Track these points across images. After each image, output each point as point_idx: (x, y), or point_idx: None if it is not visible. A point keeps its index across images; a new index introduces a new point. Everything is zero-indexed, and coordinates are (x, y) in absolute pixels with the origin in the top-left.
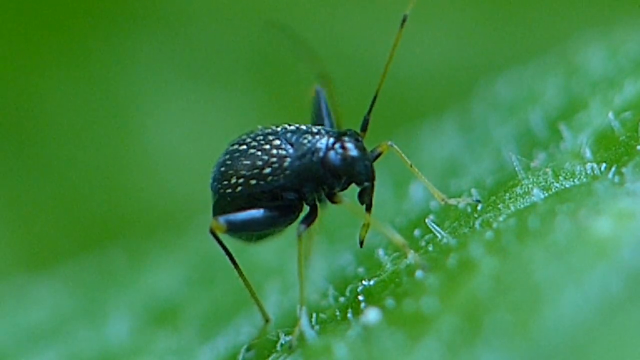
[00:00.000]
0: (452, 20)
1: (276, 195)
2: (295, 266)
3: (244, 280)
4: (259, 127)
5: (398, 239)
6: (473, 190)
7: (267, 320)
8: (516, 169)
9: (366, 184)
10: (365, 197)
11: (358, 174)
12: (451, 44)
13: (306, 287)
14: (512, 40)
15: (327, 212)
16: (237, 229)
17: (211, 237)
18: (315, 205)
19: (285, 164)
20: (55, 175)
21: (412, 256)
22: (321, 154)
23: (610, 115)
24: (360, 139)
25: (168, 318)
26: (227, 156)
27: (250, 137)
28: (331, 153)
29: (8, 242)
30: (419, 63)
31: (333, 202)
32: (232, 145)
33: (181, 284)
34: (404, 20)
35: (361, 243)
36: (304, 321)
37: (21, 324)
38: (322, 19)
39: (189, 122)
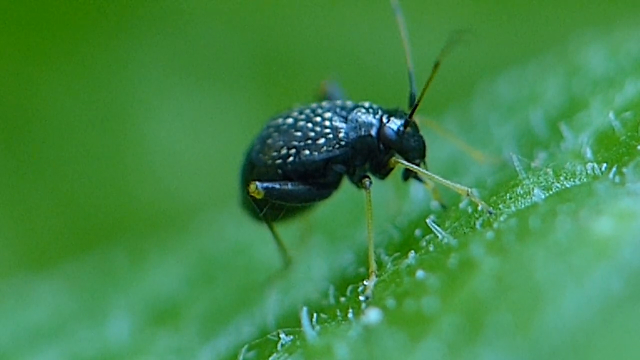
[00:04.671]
0: (452, 19)
1: (326, 166)
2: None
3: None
4: (298, 104)
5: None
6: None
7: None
8: (517, 168)
9: (417, 160)
10: (413, 173)
11: (412, 149)
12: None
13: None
14: (512, 40)
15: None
16: (273, 196)
17: (250, 198)
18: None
19: (341, 134)
20: (55, 175)
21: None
22: (376, 128)
23: (611, 115)
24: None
25: (169, 317)
26: (272, 129)
27: (295, 112)
28: (387, 127)
29: (8, 242)
30: (418, 62)
31: (382, 173)
32: (275, 120)
33: (182, 284)
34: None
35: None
36: (304, 321)
37: (22, 323)
38: (321, 19)
39: (188, 122)
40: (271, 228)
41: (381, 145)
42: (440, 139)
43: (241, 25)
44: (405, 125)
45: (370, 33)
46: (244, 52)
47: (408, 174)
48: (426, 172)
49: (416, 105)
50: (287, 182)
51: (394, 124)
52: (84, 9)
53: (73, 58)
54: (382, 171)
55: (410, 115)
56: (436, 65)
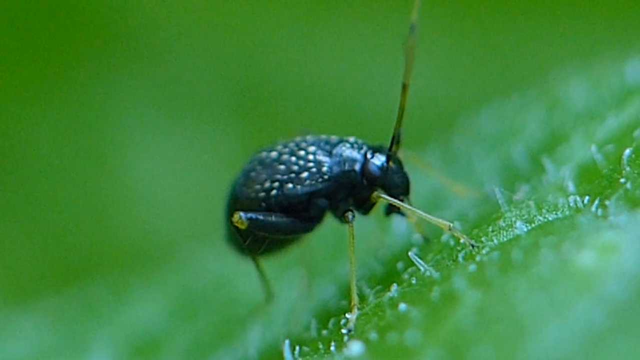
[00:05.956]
0: (434, 53)
1: (309, 200)
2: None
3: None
4: (281, 139)
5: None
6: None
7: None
8: (499, 201)
9: (401, 197)
10: (396, 208)
11: (396, 185)
12: (433, 76)
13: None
14: (493, 73)
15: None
16: (256, 227)
17: (233, 228)
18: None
19: (324, 169)
20: (36, 210)
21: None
22: (360, 164)
23: (593, 148)
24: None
25: (150, 351)
26: (256, 162)
27: (279, 145)
28: (372, 163)
29: None
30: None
31: (365, 208)
32: (259, 153)
33: (163, 317)
34: (412, 29)
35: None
36: (287, 355)
37: (3, 358)
38: (300, 56)
39: (170, 158)
40: (255, 261)
41: (365, 181)
42: (422, 173)
43: (221, 63)
44: (387, 159)
45: (349, 69)
46: (223, 89)
47: (391, 209)
48: (408, 206)
49: (393, 138)
50: (271, 214)
51: (378, 159)
52: (65, 47)
53: (54, 94)
54: (365, 206)
55: (390, 148)
56: (404, 87)
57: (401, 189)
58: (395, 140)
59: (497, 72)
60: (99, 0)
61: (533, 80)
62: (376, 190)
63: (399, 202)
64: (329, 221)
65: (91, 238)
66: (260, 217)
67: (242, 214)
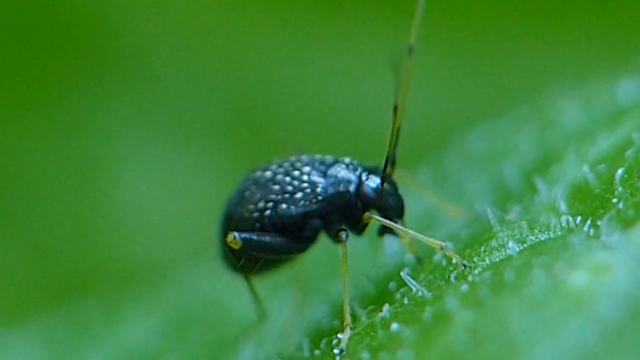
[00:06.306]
0: (425, 74)
1: (303, 221)
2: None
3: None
4: (275, 159)
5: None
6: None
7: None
8: (491, 221)
9: (395, 218)
10: (389, 229)
11: (391, 207)
12: (425, 96)
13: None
14: (485, 93)
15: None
16: (250, 247)
17: (227, 248)
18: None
19: (319, 189)
20: (28, 230)
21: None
22: (355, 185)
23: (585, 168)
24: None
25: None
26: (250, 182)
27: (274, 165)
28: (366, 185)
29: None
30: (391, 116)
31: (358, 229)
32: (254, 172)
33: (155, 337)
34: (410, 51)
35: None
36: None
37: None
38: (292, 77)
39: (163, 177)
40: (248, 280)
41: (359, 202)
42: (415, 192)
43: (214, 83)
44: (382, 181)
45: (342, 89)
46: (216, 108)
47: (384, 230)
48: (401, 227)
49: (387, 159)
50: (265, 234)
51: (373, 181)
52: (56, 67)
53: (46, 113)
54: (359, 227)
55: (384, 170)
56: (395, 109)
57: (396, 211)
58: (390, 161)
59: (489, 92)
60: (91, 21)
61: (525, 100)
62: (369, 211)
63: (391, 222)
64: (322, 240)
65: (84, 258)
66: (255, 237)
67: (236, 234)
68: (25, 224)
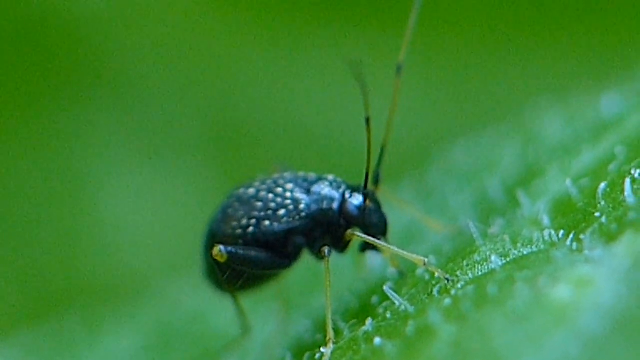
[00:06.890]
0: (408, 88)
1: (286, 237)
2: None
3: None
4: (259, 176)
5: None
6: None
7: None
8: (474, 235)
9: (379, 236)
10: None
11: (374, 225)
12: (408, 111)
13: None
14: (468, 107)
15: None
16: (235, 261)
17: (212, 261)
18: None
19: (302, 206)
20: (9, 245)
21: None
22: (338, 202)
23: (568, 182)
24: (374, 192)
25: None
26: (233, 199)
27: (257, 182)
28: (350, 203)
29: None
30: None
31: (341, 246)
32: (237, 189)
33: (138, 352)
34: (399, 69)
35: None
36: None
37: None
38: (275, 93)
39: (145, 193)
40: (233, 295)
41: (342, 220)
42: (397, 207)
43: (197, 99)
44: (365, 199)
45: (325, 107)
46: (199, 124)
47: (366, 246)
48: (383, 243)
49: (367, 175)
50: (251, 248)
51: (356, 199)
52: (38, 84)
53: (27, 128)
54: (341, 244)
55: (365, 187)
56: (367, 121)
57: (379, 228)
58: (374, 179)
59: (472, 106)
60: (74, 38)
61: (508, 114)
62: (352, 228)
63: (374, 239)
64: (304, 256)
65: (66, 273)
66: (240, 251)
67: (222, 247)
68: (7, 239)
